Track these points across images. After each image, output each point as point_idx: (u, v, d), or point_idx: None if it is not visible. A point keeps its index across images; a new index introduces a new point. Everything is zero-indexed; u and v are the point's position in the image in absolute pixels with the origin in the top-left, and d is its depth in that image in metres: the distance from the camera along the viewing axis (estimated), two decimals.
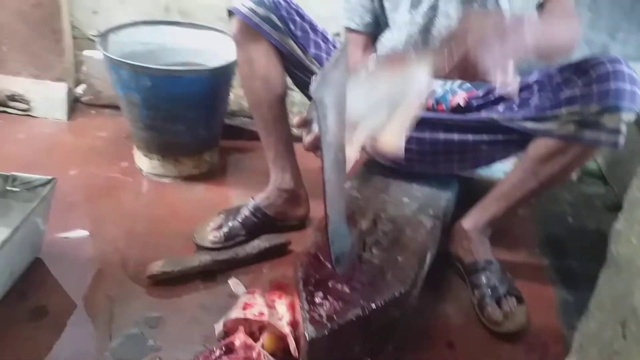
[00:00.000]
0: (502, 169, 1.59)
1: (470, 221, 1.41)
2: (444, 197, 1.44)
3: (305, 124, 0.92)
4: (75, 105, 2.05)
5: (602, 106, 1.10)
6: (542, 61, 1.18)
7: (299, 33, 1.36)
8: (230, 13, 1.32)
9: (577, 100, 1.13)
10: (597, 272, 0.86)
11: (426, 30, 1.31)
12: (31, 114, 1.96)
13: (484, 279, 1.32)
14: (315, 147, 0.89)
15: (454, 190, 1.51)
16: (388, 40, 1.37)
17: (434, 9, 1.28)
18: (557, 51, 1.10)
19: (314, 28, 1.39)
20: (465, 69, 0.88)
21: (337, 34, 1.82)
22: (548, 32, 1.06)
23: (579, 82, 1.14)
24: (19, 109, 1.95)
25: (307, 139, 0.91)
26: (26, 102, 1.96)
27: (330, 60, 0.83)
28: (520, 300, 1.30)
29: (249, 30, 1.31)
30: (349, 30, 1.41)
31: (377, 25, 1.39)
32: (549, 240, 1.63)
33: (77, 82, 2.07)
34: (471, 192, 1.53)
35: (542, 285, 1.43)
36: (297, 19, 1.36)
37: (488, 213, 1.38)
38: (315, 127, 0.92)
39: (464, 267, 1.38)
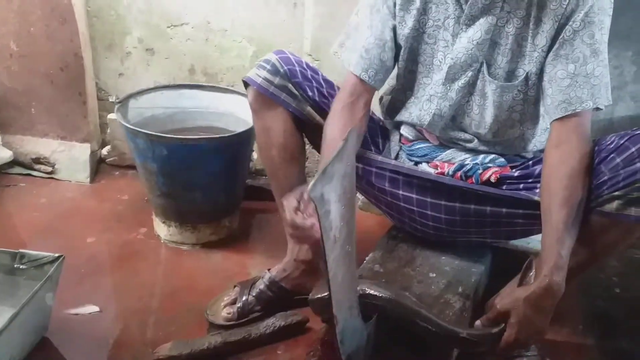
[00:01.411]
0: (539, 239, 1.46)
1: None
2: (476, 272, 1.32)
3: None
4: (99, 166, 2.04)
5: None
6: None
7: (317, 98, 1.31)
8: (246, 83, 1.28)
9: (619, 180, 1.04)
10: None
11: (458, 107, 1.24)
12: (55, 177, 1.96)
13: None
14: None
15: (487, 263, 1.39)
16: (414, 107, 1.29)
17: (471, 86, 1.21)
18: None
19: (331, 92, 1.33)
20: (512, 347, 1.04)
21: None
22: (569, 249, 1.05)
23: (619, 162, 1.04)
24: (43, 172, 1.95)
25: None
26: (51, 164, 1.96)
27: (333, 153, 0.76)
28: None
29: (265, 99, 1.27)
30: (358, 78, 1.25)
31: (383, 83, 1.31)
32: (594, 316, 1.49)
33: (103, 144, 2.07)
34: (506, 263, 1.40)
35: None
36: (314, 84, 1.31)
37: None
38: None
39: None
